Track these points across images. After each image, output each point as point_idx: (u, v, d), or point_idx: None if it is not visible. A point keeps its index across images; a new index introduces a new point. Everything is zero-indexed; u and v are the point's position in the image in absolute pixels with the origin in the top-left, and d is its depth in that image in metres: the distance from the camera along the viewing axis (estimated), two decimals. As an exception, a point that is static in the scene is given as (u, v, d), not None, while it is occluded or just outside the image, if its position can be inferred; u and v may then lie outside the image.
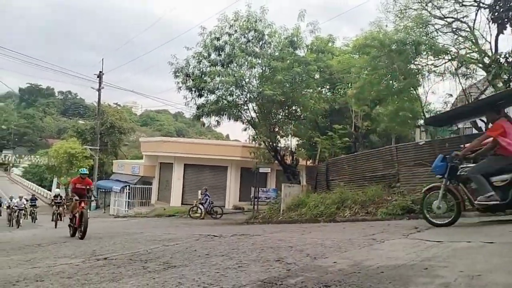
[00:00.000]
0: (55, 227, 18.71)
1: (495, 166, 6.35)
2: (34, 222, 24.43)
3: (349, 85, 17.57)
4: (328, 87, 19.34)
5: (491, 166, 6.40)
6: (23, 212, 23.94)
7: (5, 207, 26.22)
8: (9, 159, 64.30)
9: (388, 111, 15.31)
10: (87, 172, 11.92)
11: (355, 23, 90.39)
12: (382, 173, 13.19)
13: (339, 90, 18.51)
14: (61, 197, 22.03)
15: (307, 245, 5.78)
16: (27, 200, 25.62)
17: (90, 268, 5.45)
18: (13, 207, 23.52)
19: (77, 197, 11.05)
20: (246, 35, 17.13)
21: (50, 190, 45.07)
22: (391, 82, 14.09)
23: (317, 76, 18.11)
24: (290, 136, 19.33)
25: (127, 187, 30.82)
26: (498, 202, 6.19)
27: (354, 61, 16.50)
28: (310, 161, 19.97)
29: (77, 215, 10.83)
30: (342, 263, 4.32)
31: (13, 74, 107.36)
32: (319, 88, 18.74)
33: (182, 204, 27.31)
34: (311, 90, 17.79)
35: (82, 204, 10.76)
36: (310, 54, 17.32)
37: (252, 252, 5.52)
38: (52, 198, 23.73)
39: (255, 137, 18.46)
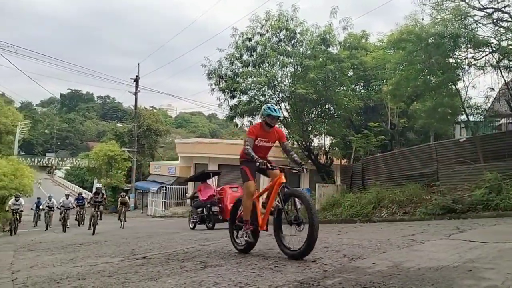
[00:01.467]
0: (93, 234, 14.16)
1: (199, 204, 14.57)
2: (80, 225, 20.83)
3: (384, 81, 17.14)
4: (362, 84, 18.95)
5: (198, 204, 14.68)
6: (73, 211, 20.94)
7: (43, 207, 22.19)
8: (52, 162, 67.55)
9: (426, 107, 14.81)
10: (280, 114, 5.88)
11: (389, 18, 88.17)
12: (421, 171, 12.78)
13: (374, 87, 18.09)
14: (102, 194, 17.04)
15: (344, 245, 5.68)
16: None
17: (129, 267, 5.59)
18: (59, 207, 20.11)
19: (260, 161, 5.40)
20: (277, 35, 17.10)
21: (91, 191, 46.82)
22: (428, 77, 13.59)
23: (350, 73, 17.79)
24: (323, 135, 19.07)
25: (164, 188, 31.54)
26: (197, 221, 14.40)
27: (389, 57, 16.07)
28: (345, 160, 19.64)
29: (263, 198, 5.74)
30: (380, 264, 4.21)
31: (54, 80, 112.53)
32: (353, 86, 18.37)
33: (217, 204, 27.62)
34: (344, 88, 17.48)
35: (282, 178, 5.33)
36: (343, 51, 17.03)
37: (288, 253, 5.47)
38: (92, 195, 17.68)
39: (288, 136, 18.35)
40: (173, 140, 45.22)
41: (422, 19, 13.11)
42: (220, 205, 14.07)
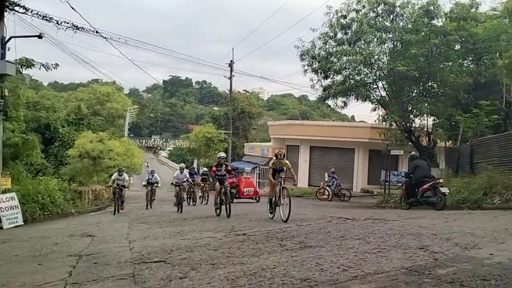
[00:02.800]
0: (228, 216, 10.03)
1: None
2: (192, 203, 18.11)
3: (498, 54, 15.26)
4: (471, 58, 17.11)
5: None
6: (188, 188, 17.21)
7: (144, 183, 18.90)
8: (157, 143, 73.57)
9: (552, 82, 12.90)
10: None
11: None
12: (543, 155, 11.26)
13: (485, 61, 16.20)
14: (226, 165, 12.17)
15: (454, 233, 5.26)
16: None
17: (232, 243, 5.86)
18: (174, 183, 15.82)
19: None
20: (375, 10, 16.18)
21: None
22: (555, 46, 11.77)
23: (457, 47, 16.18)
24: (425, 115, 17.75)
25: (257, 168, 32.40)
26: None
27: (505, 27, 14.25)
28: (450, 142, 18.10)
29: None
30: (500, 256, 3.81)
31: (157, 68, 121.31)
32: (460, 60, 16.69)
33: (308, 185, 27.62)
34: (450, 63, 15.96)
35: None
36: (450, 23, 15.48)
37: (391, 238, 5.25)
38: (213, 168, 13.40)
39: (386, 117, 17.44)
40: (265, 122, 46.07)
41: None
42: (236, 188, 19.51)
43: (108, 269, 4.77)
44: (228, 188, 11.30)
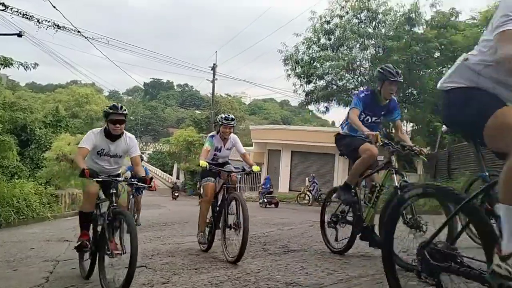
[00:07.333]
0: None
1: None
2: None
3: (477, 62, 15.67)
4: (450, 65, 17.55)
5: None
6: None
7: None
8: (137, 146, 72.50)
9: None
10: None
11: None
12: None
13: (464, 69, 16.66)
14: None
15: (441, 236, 5.30)
16: None
17: (214, 247, 5.76)
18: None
19: None
20: (358, 16, 16.49)
21: (171, 174, 49.42)
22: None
23: (437, 54, 16.57)
24: (405, 121, 18.09)
25: (239, 174, 32.32)
26: None
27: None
28: (428, 148, 18.47)
29: None
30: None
31: (138, 70, 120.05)
32: (440, 67, 17.13)
33: (289, 190, 27.66)
34: (430, 70, 16.34)
35: None
36: (430, 30, 15.87)
37: (374, 241, 5.25)
38: None
39: (367, 123, 17.69)
40: (247, 127, 46.02)
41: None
42: None
43: (87, 274, 4.60)
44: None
